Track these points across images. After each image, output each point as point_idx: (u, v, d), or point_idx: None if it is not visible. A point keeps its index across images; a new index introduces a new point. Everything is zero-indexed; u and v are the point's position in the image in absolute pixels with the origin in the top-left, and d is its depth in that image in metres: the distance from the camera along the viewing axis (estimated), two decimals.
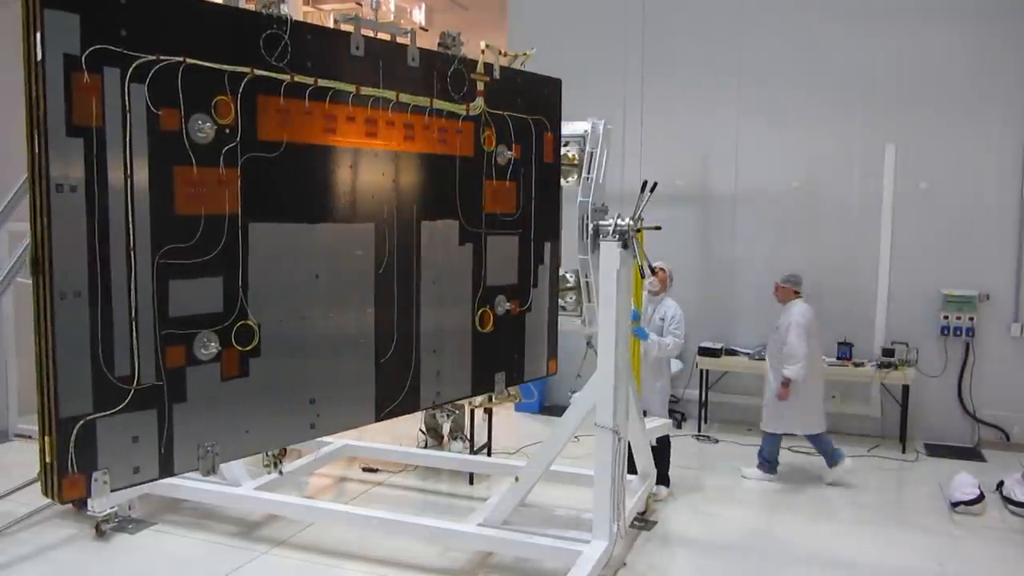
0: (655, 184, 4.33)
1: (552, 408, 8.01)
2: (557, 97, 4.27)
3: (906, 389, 6.74)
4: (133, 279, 2.69)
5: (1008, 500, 5.47)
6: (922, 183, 6.93)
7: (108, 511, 4.87)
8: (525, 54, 4.27)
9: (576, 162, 4.63)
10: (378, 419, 3.59)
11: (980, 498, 5.39)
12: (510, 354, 4.16)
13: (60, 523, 5.02)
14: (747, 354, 7.26)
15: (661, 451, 5.58)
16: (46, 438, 2.54)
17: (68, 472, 2.56)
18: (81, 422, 2.59)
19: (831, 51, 7.12)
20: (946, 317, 6.83)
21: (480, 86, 3.83)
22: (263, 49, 2.98)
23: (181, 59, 2.74)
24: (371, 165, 3.41)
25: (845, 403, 7.17)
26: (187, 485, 5.09)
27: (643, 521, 5.14)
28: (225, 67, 2.87)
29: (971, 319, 6.77)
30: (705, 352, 7.26)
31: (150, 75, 2.68)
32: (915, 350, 6.94)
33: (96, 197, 2.63)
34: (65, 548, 4.72)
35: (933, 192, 6.91)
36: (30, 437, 6.59)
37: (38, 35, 2.45)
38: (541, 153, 4.22)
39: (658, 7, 7.61)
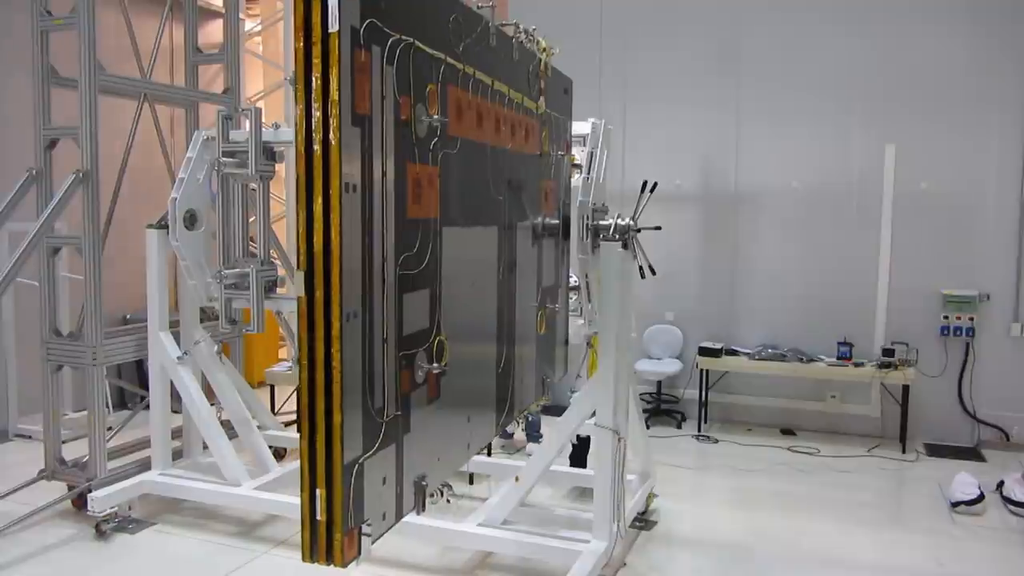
0: (655, 184, 4.33)
1: (552, 408, 7.98)
2: (571, 96, 4.31)
3: (906, 389, 6.74)
4: (385, 294, 2.39)
5: (1008, 500, 5.47)
6: (922, 183, 6.94)
7: (108, 511, 4.87)
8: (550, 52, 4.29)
9: (577, 162, 4.64)
10: (496, 433, 3.44)
11: (980, 498, 5.39)
12: (550, 356, 4.18)
13: (60, 523, 5.01)
14: (747, 354, 7.26)
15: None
16: (318, 491, 2.18)
17: (345, 528, 2.22)
18: (355, 467, 2.25)
19: (831, 51, 7.11)
20: (946, 317, 6.83)
21: (542, 84, 3.85)
22: (451, 35, 2.76)
23: (412, 40, 2.46)
24: (499, 164, 3.30)
25: (845, 403, 7.17)
26: (187, 485, 5.10)
27: (643, 521, 5.14)
28: (436, 52, 2.61)
29: (971, 319, 6.77)
30: (705, 352, 7.26)
31: (397, 57, 2.39)
32: (915, 350, 6.94)
33: (368, 199, 2.30)
34: (65, 548, 4.72)
35: (933, 192, 6.91)
36: (30, 437, 6.59)
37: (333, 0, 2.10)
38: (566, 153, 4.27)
39: (658, 7, 7.61)
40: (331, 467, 2.18)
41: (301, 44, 2.12)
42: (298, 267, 2.18)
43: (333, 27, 2.07)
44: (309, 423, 2.17)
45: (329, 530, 2.20)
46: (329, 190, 2.13)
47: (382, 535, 2.50)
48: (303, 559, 2.24)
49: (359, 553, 2.30)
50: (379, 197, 2.33)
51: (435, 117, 2.63)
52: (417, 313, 2.59)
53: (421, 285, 2.61)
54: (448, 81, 2.75)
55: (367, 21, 2.20)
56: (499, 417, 3.47)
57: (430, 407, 2.73)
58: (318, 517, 2.20)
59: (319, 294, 2.15)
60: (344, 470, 2.19)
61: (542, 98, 3.88)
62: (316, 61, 2.10)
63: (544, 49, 4.01)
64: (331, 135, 2.11)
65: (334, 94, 2.09)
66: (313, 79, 2.11)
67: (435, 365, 2.70)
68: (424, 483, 2.70)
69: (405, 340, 2.53)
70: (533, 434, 6.59)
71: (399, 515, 2.54)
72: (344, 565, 2.28)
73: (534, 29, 3.86)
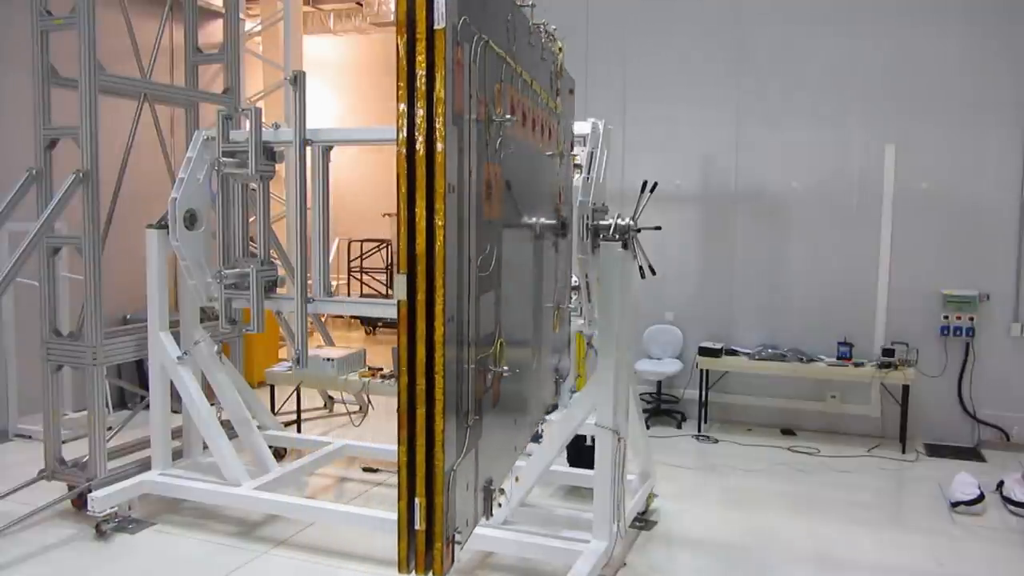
0: (655, 184, 4.33)
1: (552, 408, 7.98)
2: (574, 96, 4.32)
3: (906, 389, 6.74)
4: (469, 296, 2.34)
5: (1008, 500, 5.47)
6: (922, 183, 6.94)
7: (108, 511, 4.87)
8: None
9: (577, 162, 4.64)
10: (532, 439, 3.40)
11: (980, 498, 5.39)
12: (561, 356, 4.20)
13: (60, 523, 5.01)
14: (747, 354, 7.26)
15: None
16: (417, 500, 2.12)
17: (444, 538, 2.17)
18: (451, 474, 2.20)
19: (831, 51, 7.12)
20: (946, 317, 6.83)
21: (559, 84, 3.87)
22: (509, 34, 2.72)
23: (487, 39, 2.41)
24: (536, 164, 3.26)
25: (845, 403, 7.17)
26: (187, 485, 5.10)
27: (643, 521, 5.14)
28: (500, 51, 2.52)
29: (971, 319, 6.77)
30: (705, 352, 7.26)
31: (478, 54, 2.33)
32: (915, 350, 6.93)
33: (464, 200, 2.26)
34: (65, 548, 4.72)
35: (933, 192, 6.91)
36: (30, 437, 6.59)
37: None
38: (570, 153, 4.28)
39: (658, 6, 7.61)
40: (431, 476, 2.11)
41: (404, 40, 2.05)
42: (398, 270, 2.12)
43: (439, 23, 2.00)
44: (408, 431, 2.10)
45: (429, 540, 2.14)
46: (433, 191, 2.06)
47: (466, 542, 2.47)
48: (400, 570, 2.16)
49: (453, 562, 2.25)
50: (471, 198, 2.28)
51: (507, 117, 2.58)
52: (487, 316, 2.57)
53: (488, 287, 2.59)
54: (507, 81, 2.72)
55: (462, 18, 2.13)
56: (534, 418, 3.45)
57: (493, 411, 2.69)
58: (417, 527, 2.13)
59: (421, 297, 2.08)
60: (447, 477, 2.14)
61: (559, 97, 3.91)
62: (420, 58, 2.02)
63: (560, 49, 4.03)
64: (436, 134, 2.04)
65: (439, 92, 2.02)
66: (417, 77, 2.03)
67: (502, 368, 2.67)
68: (492, 487, 2.67)
69: (481, 343, 2.50)
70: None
71: (475, 521, 2.50)
72: None
73: (554, 29, 3.87)
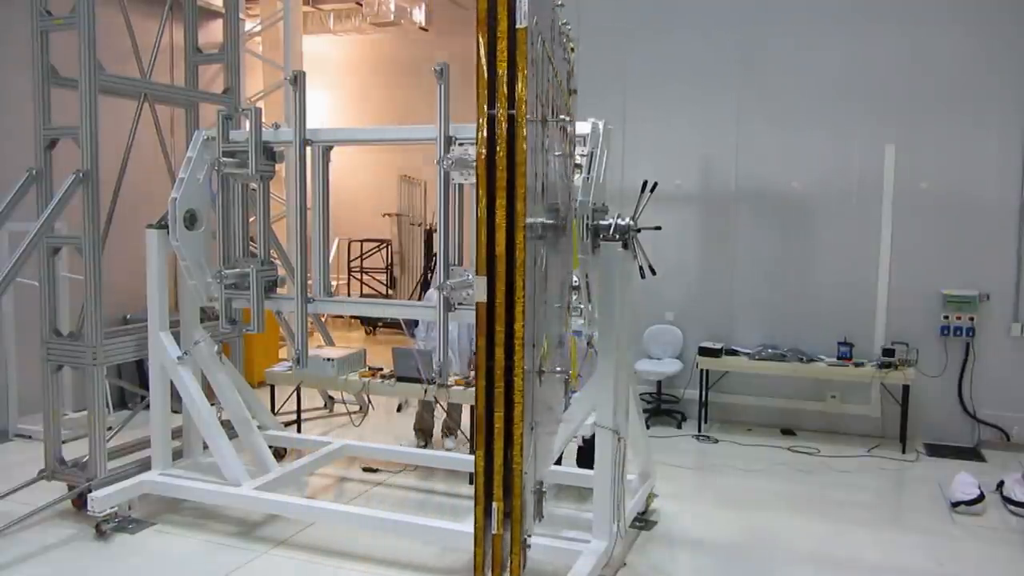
0: (655, 184, 4.33)
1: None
2: (577, 96, 4.33)
3: (906, 389, 6.74)
4: (534, 297, 2.35)
5: (1008, 500, 5.47)
6: (922, 183, 6.93)
7: (108, 511, 4.87)
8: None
9: (577, 162, 4.63)
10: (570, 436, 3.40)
11: (980, 498, 5.39)
12: (566, 354, 4.21)
13: (60, 523, 5.01)
14: (747, 354, 7.26)
15: None
16: (495, 504, 2.09)
17: (521, 542, 2.14)
18: (526, 477, 2.19)
19: (832, 51, 7.12)
20: (946, 317, 6.83)
21: (571, 83, 3.89)
22: (551, 33, 2.72)
23: (544, 39, 2.40)
24: (556, 165, 3.27)
25: (845, 403, 7.17)
26: (187, 485, 5.11)
27: (643, 521, 5.14)
28: (547, 49, 2.52)
29: (971, 319, 6.77)
30: (705, 352, 7.26)
31: (540, 55, 2.32)
32: (915, 350, 6.93)
33: (536, 199, 2.25)
34: (65, 548, 4.72)
35: (933, 192, 6.91)
36: (30, 437, 6.59)
37: None
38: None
39: (658, 6, 7.61)
40: (510, 480, 2.08)
41: (485, 39, 2.02)
42: (477, 272, 2.09)
43: (522, 22, 1.97)
44: (487, 434, 2.07)
45: (506, 543, 2.12)
46: (514, 191, 2.03)
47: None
48: (476, 574, 2.12)
49: (525, 565, 2.22)
50: (536, 198, 2.26)
51: (563, 118, 2.55)
52: (539, 317, 2.56)
53: (532, 288, 2.59)
54: (551, 81, 2.69)
55: (534, 18, 2.11)
56: (558, 418, 3.46)
57: (540, 412, 2.69)
58: (494, 531, 2.11)
59: (500, 299, 2.05)
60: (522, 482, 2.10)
61: (572, 96, 3.93)
62: (502, 57, 1.99)
63: (573, 49, 4.04)
64: (517, 135, 2.02)
65: (521, 92, 1.98)
66: (498, 77, 2.00)
67: (556, 369, 2.65)
68: (543, 489, 2.63)
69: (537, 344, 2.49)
70: None
71: (532, 524, 2.49)
72: None
73: (569, 28, 3.87)
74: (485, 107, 2.02)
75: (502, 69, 1.99)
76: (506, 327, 2.07)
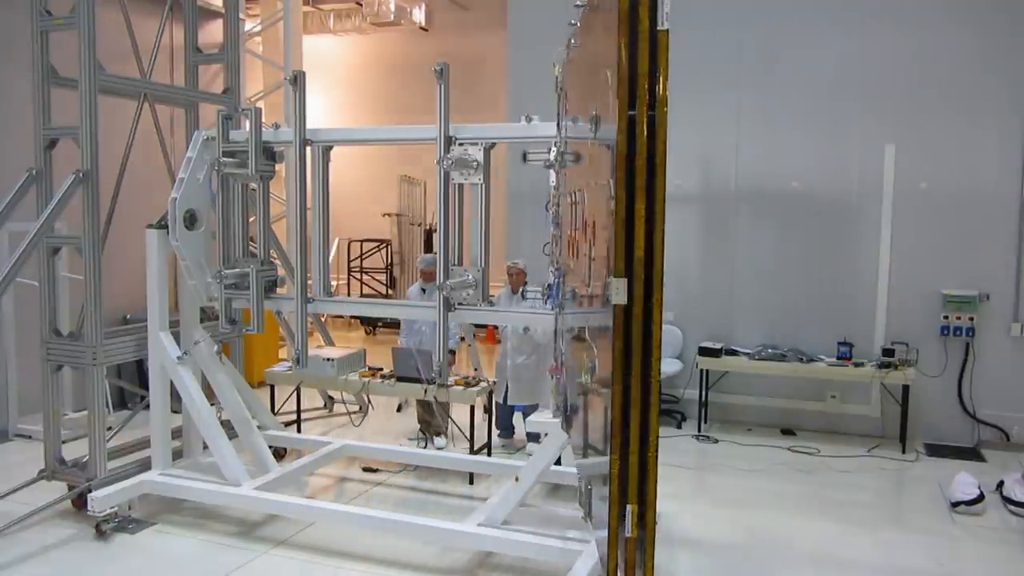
0: None
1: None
2: None
3: (906, 389, 6.74)
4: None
5: (1008, 500, 5.47)
6: (922, 183, 6.93)
7: (108, 511, 4.87)
8: None
9: None
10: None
11: (980, 498, 5.39)
12: None
13: (60, 523, 5.01)
14: (747, 354, 7.25)
15: None
16: (630, 507, 2.11)
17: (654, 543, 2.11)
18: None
19: (831, 51, 7.11)
20: (946, 317, 6.83)
21: None
22: None
23: None
24: None
25: (845, 403, 7.17)
26: (187, 485, 5.10)
27: None
28: None
29: (971, 319, 6.77)
30: (705, 352, 7.25)
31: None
32: (915, 350, 6.93)
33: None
34: (65, 548, 4.72)
35: (933, 192, 6.91)
36: (30, 437, 6.59)
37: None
38: None
39: None
40: (645, 483, 2.09)
41: (625, 41, 2.01)
42: (616, 274, 2.07)
43: (663, 24, 1.98)
44: (622, 437, 2.06)
45: (641, 546, 2.12)
46: (654, 195, 2.04)
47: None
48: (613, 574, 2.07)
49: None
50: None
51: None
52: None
53: None
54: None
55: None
56: None
57: None
58: (628, 534, 2.12)
59: (638, 302, 2.05)
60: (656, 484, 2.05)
61: None
62: (643, 59, 1.98)
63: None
64: (658, 136, 2.02)
65: (662, 93, 1.99)
66: (639, 77, 1.99)
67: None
68: (591, 487, 2.64)
69: None
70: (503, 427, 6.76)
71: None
72: None
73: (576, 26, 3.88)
74: (623, 106, 2.04)
75: (643, 70, 2.01)
76: (643, 329, 2.08)
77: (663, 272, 2.07)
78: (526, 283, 6.34)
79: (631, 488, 2.12)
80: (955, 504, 5.42)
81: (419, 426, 6.82)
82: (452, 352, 6.84)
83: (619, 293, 2.07)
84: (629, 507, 2.11)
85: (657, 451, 2.12)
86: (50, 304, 5.19)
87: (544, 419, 4.81)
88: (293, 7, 10.39)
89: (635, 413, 2.12)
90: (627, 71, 2.02)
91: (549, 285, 4.54)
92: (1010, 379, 6.80)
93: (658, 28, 1.98)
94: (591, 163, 2.86)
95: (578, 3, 3.24)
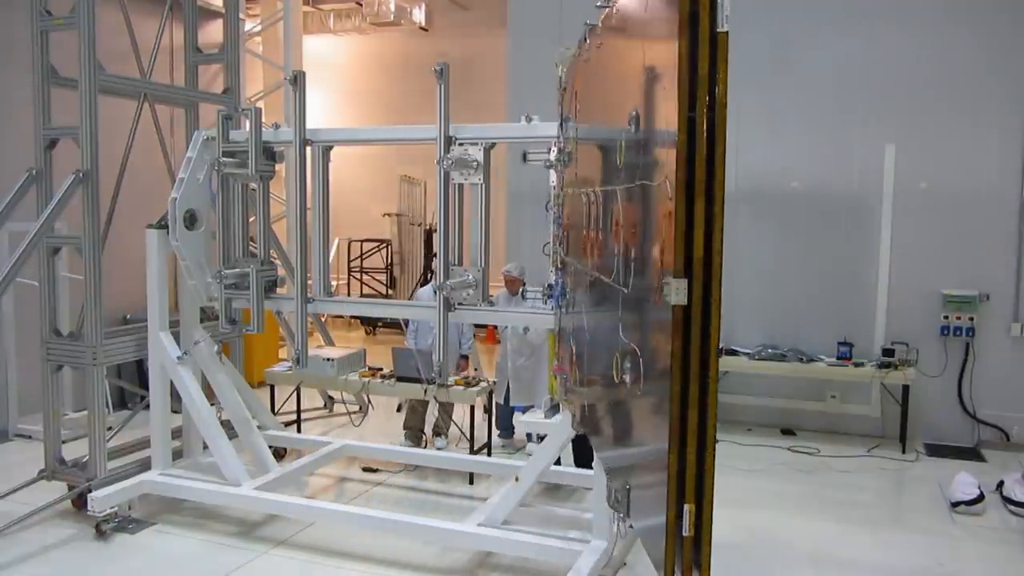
0: None
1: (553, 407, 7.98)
2: None
3: (906, 389, 6.74)
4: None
5: (1008, 500, 5.47)
6: (922, 183, 6.93)
7: (108, 511, 4.87)
8: None
9: None
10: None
11: (980, 498, 5.39)
12: None
13: (60, 523, 5.01)
14: (747, 354, 7.25)
15: None
16: (687, 506, 2.12)
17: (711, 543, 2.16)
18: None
19: (831, 51, 7.11)
20: (946, 317, 6.83)
21: None
22: None
23: None
24: None
25: (845, 403, 7.16)
26: (187, 485, 5.11)
27: None
28: None
29: (971, 319, 6.77)
30: None
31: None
32: (915, 350, 6.93)
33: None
34: (65, 548, 4.72)
35: (933, 192, 6.91)
36: (30, 437, 6.59)
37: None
38: None
39: None
40: (702, 482, 2.11)
41: (685, 43, 2.01)
42: (675, 275, 2.08)
43: (723, 26, 1.99)
44: (680, 436, 2.07)
45: (697, 545, 2.14)
46: (713, 193, 2.05)
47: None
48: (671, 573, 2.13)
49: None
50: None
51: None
52: None
53: None
54: None
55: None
56: None
57: None
58: (685, 533, 2.12)
59: (697, 302, 2.06)
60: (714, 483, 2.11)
61: None
62: (703, 62, 1.99)
63: None
64: (717, 137, 2.03)
65: (722, 96, 2.00)
66: (699, 80, 2.00)
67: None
68: (628, 491, 2.67)
69: None
70: (503, 426, 6.74)
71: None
72: None
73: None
74: (683, 108, 2.05)
75: (703, 72, 2.02)
76: (702, 329, 2.10)
77: (722, 273, 2.10)
78: (525, 284, 6.34)
79: (688, 487, 2.14)
80: (955, 504, 5.42)
81: (404, 432, 6.67)
82: (465, 357, 6.76)
83: (679, 294, 2.09)
84: (687, 506, 2.12)
85: (715, 451, 2.15)
86: (50, 304, 5.19)
87: (535, 419, 4.81)
88: (293, 7, 10.39)
89: (693, 414, 2.13)
90: (687, 73, 2.03)
91: (549, 285, 4.53)
92: (1010, 379, 6.80)
93: (718, 30, 1.99)
94: (621, 163, 2.85)
95: (599, 3, 3.23)
